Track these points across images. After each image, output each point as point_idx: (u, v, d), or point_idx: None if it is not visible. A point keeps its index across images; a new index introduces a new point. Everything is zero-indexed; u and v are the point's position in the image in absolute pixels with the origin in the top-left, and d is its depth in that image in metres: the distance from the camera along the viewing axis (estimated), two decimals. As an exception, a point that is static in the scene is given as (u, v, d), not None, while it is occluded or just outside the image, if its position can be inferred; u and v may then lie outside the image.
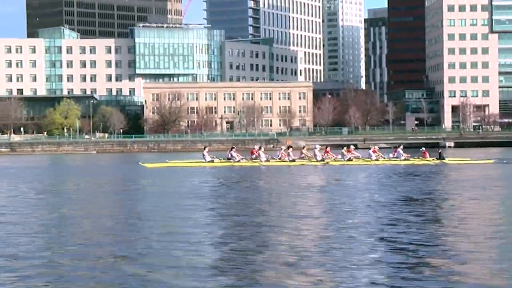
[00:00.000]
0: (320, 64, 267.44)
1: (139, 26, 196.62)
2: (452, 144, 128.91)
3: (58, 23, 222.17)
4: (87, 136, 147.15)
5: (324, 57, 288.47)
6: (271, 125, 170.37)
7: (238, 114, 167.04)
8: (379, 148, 53.43)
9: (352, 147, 51.14)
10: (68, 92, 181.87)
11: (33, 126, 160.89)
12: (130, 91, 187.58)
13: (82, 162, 73.63)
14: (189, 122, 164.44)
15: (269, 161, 47.14)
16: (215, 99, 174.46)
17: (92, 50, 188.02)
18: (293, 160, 47.08)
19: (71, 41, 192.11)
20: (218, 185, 29.64)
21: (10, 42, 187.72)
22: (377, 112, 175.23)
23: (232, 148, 48.56)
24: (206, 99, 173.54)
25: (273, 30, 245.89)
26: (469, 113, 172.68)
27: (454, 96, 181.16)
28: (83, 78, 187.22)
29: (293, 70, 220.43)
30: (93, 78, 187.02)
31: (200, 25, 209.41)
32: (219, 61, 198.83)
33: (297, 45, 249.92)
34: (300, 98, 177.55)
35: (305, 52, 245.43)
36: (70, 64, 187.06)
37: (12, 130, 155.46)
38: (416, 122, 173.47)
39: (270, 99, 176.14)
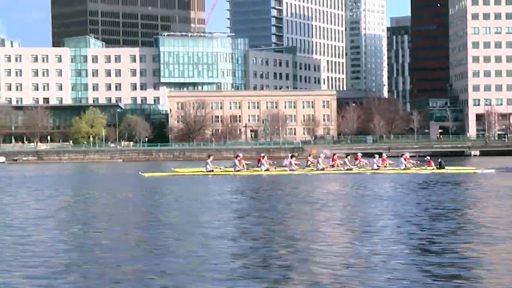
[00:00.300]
0: (342, 73, 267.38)
1: (164, 35, 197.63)
2: (477, 153, 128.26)
3: (83, 32, 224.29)
4: (112, 145, 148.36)
5: (346, 66, 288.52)
6: (295, 133, 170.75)
7: (263, 122, 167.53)
8: (387, 156, 54.21)
9: (359, 154, 52.08)
10: (94, 101, 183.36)
11: (59, 134, 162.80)
12: (154, 100, 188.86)
13: (105, 170, 73.41)
14: (214, 130, 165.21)
15: (269, 169, 47.18)
16: (239, 108, 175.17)
17: (117, 59, 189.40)
18: (293, 170, 47.20)
19: (96, 50, 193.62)
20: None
21: (37, 51, 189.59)
22: (401, 120, 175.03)
23: (237, 157, 48.07)
24: (230, 108, 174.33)
25: (296, 39, 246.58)
26: (494, 122, 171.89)
27: (479, 105, 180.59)
28: (108, 87, 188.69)
29: (316, 79, 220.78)
30: (118, 87, 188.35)
31: (224, 33, 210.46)
32: (243, 70, 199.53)
33: (320, 54, 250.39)
34: (324, 106, 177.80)
35: (327, 61, 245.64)
36: (95, 73, 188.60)
37: (38, 138, 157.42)
38: (440, 131, 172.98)
39: (294, 107, 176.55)
